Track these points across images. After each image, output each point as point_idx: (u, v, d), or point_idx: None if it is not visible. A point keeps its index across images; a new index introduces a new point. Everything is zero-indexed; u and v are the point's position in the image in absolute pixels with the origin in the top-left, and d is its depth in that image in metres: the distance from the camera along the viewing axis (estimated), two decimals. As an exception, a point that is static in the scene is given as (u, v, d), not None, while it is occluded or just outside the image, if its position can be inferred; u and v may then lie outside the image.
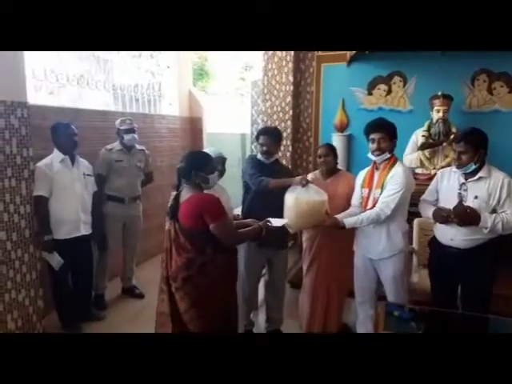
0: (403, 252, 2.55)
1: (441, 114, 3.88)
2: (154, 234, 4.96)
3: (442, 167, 3.44)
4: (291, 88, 4.58)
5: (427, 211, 2.52)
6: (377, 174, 2.56)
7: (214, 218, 2.02)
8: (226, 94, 11.54)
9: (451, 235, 2.39)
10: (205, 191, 2.17)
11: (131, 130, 3.63)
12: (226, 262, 2.14)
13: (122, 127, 3.61)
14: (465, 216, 2.27)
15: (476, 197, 2.31)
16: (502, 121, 3.98)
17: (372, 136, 2.51)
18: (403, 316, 2.20)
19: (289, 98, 4.59)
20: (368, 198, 2.57)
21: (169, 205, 2.25)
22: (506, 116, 4.00)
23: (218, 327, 2.11)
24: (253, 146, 5.37)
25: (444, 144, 3.91)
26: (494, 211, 2.29)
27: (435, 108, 3.91)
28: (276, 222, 2.31)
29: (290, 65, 4.55)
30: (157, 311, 2.31)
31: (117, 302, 3.79)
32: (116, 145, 3.65)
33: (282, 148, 4.55)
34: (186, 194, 2.12)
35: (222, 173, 2.71)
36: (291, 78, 4.57)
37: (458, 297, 2.52)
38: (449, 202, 2.40)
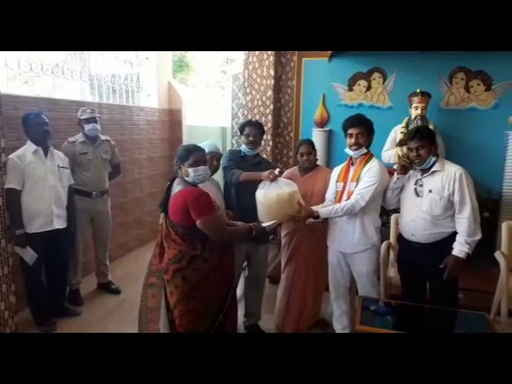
0: (375, 247, 2.61)
1: (419, 111, 3.91)
2: (131, 227, 4.90)
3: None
4: (272, 82, 4.55)
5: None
6: (352, 169, 2.61)
7: (200, 213, 1.97)
8: (206, 86, 11.42)
9: (412, 231, 2.46)
10: (199, 185, 2.12)
11: (92, 120, 3.44)
12: (218, 259, 2.07)
13: (83, 117, 3.43)
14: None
15: (430, 190, 2.39)
16: (478, 118, 4.07)
17: (350, 131, 2.54)
18: (379, 310, 2.23)
19: (270, 92, 4.57)
20: (343, 191, 2.60)
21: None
22: (482, 113, 4.08)
23: (207, 326, 2.06)
24: (233, 140, 5.34)
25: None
26: (450, 203, 2.35)
27: (413, 105, 3.95)
28: (266, 223, 2.31)
29: (271, 58, 4.52)
30: (144, 307, 2.23)
31: (93, 297, 3.71)
32: (79, 137, 3.48)
33: (263, 143, 4.52)
34: (176, 187, 2.08)
35: (216, 168, 2.70)
36: (272, 72, 4.54)
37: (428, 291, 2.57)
38: (408, 197, 2.52)
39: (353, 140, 2.52)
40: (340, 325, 2.87)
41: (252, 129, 2.85)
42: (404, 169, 2.54)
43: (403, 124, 3.99)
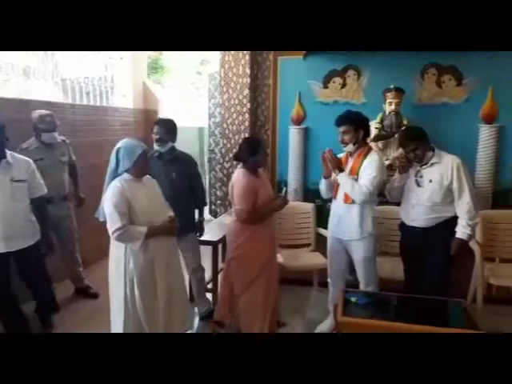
0: (373, 236, 2.72)
1: (393, 107, 3.97)
2: (106, 231, 4.77)
3: (394, 158, 3.68)
4: (248, 80, 4.54)
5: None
6: (351, 161, 2.70)
7: None
8: (182, 87, 11.33)
9: (412, 216, 2.62)
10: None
11: (51, 130, 3.28)
12: None
13: (41, 126, 3.25)
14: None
15: (430, 180, 2.57)
16: (450, 112, 4.14)
17: (339, 129, 2.71)
18: (360, 302, 2.26)
19: (246, 91, 4.56)
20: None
21: None
22: (454, 108, 4.15)
23: None
24: (211, 140, 5.30)
25: (396, 136, 4.01)
26: (448, 191, 2.52)
27: (388, 101, 4.01)
28: None
29: (247, 57, 4.51)
30: None
31: (69, 303, 3.63)
32: (32, 142, 3.28)
33: (240, 142, 4.52)
34: None
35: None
36: (248, 71, 4.53)
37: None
38: (409, 187, 2.70)
39: (340, 138, 2.69)
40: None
41: (158, 127, 3.11)
42: (404, 169, 2.67)
43: (378, 119, 4.05)
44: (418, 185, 2.61)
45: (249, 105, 4.55)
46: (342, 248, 2.82)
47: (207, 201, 4.16)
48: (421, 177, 2.61)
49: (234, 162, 4.61)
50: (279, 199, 2.80)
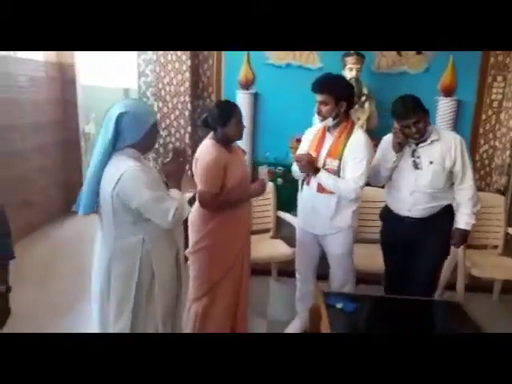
0: (352, 228, 2.31)
1: (354, 73, 3.62)
2: (17, 211, 3.95)
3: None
4: (188, 33, 3.87)
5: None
6: (330, 139, 2.21)
7: None
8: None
9: (408, 206, 2.22)
10: None
11: None
12: None
13: None
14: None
15: (431, 162, 2.15)
16: (409, 82, 3.87)
17: (316, 97, 2.17)
18: (348, 309, 1.87)
19: (185, 46, 3.89)
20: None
21: None
22: (414, 78, 3.92)
23: None
24: (141, 103, 4.54)
25: (356, 106, 3.67)
26: (450, 173, 2.17)
27: (348, 66, 3.65)
28: None
29: (187, 5, 3.82)
30: None
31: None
32: None
33: (180, 106, 3.88)
34: None
35: None
36: (188, 22, 3.85)
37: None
38: (403, 170, 2.23)
39: (316, 108, 2.18)
40: (304, 306, 2.53)
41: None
42: (400, 146, 2.19)
43: (336, 87, 3.66)
44: (416, 167, 2.16)
45: (189, 62, 3.89)
46: (313, 239, 2.40)
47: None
48: (418, 157, 2.16)
49: (172, 130, 3.98)
50: (258, 182, 2.24)
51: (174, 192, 1.73)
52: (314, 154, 2.23)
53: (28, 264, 3.20)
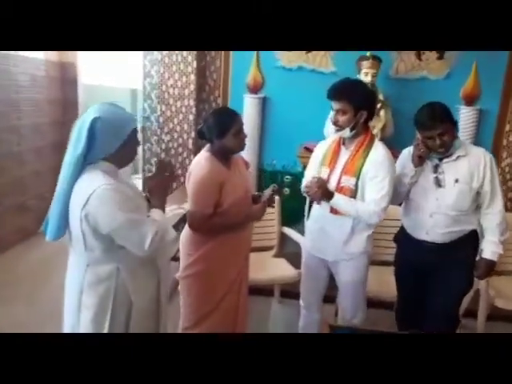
0: (366, 253, 2.05)
1: (369, 78, 3.40)
2: (10, 217, 3.81)
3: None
4: (194, 34, 3.70)
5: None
6: (345, 153, 1.96)
7: None
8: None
9: (427, 228, 1.98)
10: None
11: None
12: None
13: None
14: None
15: (457, 180, 1.91)
16: (429, 89, 3.65)
17: (332, 104, 1.91)
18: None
19: (191, 46, 3.71)
20: (328, 181, 1.97)
21: None
22: (433, 84, 3.70)
23: None
24: (145, 105, 4.37)
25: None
26: (477, 194, 1.94)
27: (363, 71, 3.43)
28: None
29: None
30: None
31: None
32: None
33: (184, 109, 3.69)
34: None
35: None
36: (195, 21, 3.67)
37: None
38: (423, 187, 1.99)
39: (333, 118, 1.91)
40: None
41: None
42: (421, 160, 1.95)
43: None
44: (439, 185, 1.91)
45: (195, 64, 3.71)
46: (321, 263, 2.13)
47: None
48: (441, 173, 1.92)
49: (175, 135, 3.80)
50: (260, 205, 1.97)
51: (155, 213, 1.49)
52: (326, 170, 1.97)
53: (22, 271, 3.09)
